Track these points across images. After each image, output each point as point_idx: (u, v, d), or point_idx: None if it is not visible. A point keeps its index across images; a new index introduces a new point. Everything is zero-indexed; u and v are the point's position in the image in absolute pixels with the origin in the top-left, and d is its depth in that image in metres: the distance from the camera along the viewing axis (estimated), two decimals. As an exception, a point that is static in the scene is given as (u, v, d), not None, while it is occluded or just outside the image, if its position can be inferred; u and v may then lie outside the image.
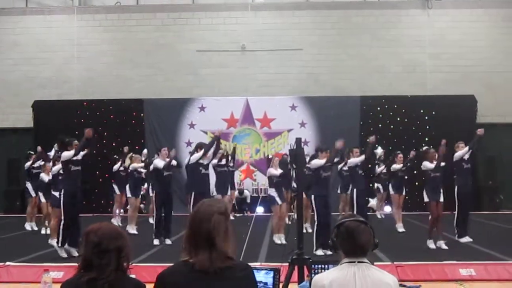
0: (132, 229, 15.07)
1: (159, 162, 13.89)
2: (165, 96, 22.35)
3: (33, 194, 16.83)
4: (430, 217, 12.77)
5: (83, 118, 21.83)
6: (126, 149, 17.62)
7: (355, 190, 13.34)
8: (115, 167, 17.48)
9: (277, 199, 13.27)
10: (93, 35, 23.14)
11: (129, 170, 16.52)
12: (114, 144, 21.79)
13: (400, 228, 15.41)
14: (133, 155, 16.84)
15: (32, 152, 18.10)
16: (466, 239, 13.16)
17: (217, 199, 3.78)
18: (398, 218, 15.68)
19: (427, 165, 13.05)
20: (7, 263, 10.51)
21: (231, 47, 22.71)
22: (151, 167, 14.59)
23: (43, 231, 15.51)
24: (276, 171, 13.34)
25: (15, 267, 10.44)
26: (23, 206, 20.70)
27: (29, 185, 17.22)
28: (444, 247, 12.26)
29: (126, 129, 21.87)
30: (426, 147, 13.97)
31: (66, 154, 11.99)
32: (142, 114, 22.24)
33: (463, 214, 13.43)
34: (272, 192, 13.36)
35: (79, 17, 23.18)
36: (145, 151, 19.20)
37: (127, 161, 16.71)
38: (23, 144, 22.70)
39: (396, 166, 16.20)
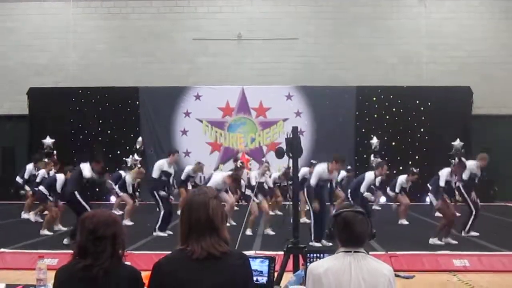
0: (128, 222, 14.93)
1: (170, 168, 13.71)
2: (161, 84, 22.30)
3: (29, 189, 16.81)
4: (443, 220, 12.19)
5: (78, 105, 21.82)
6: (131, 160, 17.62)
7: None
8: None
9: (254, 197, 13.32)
10: (89, 23, 23.04)
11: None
12: (109, 132, 21.80)
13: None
14: (137, 168, 16.70)
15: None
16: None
17: (205, 186, 3.81)
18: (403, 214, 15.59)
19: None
20: (2, 249, 10.52)
21: (227, 35, 22.67)
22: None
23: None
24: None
25: (9, 253, 10.44)
26: (17, 193, 20.65)
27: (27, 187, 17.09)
28: (454, 242, 11.91)
29: (121, 117, 21.84)
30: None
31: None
32: (137, 102, 22.20)
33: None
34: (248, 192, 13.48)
35: (75, 4, 23.07)
36: (139, 139, 19.22)
37: (128, 177, 16.38)
38: (18, 131, 22.68)
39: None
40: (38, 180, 15.45)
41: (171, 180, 13.95)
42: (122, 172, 17.34)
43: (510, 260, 10.04)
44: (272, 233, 13.14)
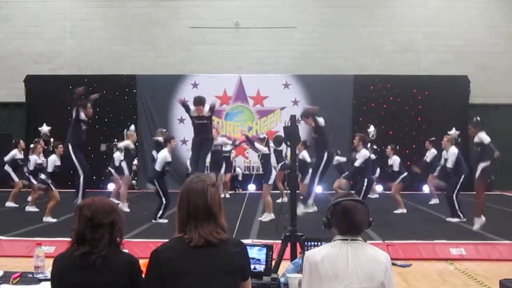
0: (125, 207, 14.85)
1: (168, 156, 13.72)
2: (158, 72, 22.28)
3: (16, 179, 16.86)
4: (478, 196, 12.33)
5: (72, 97, 21.74)
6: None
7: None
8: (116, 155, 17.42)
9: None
10: (86, 10, 22.96)
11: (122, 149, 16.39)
12: (106, 120, 21.76)
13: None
14: (129, 132, 16.70)
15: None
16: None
17: (203, 173, 3.83)
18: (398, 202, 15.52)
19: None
20: (-1, 237, 10.54)
21: (225, 24, 22.61)
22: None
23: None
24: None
25: (6, 241, 10.45)
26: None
27: (11, 171, 17.11)
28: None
29: (118, 105, 21.81)
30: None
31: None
32: (134, 90, 22.18)
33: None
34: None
35: (72, -8, 23.02)
36: (132, 127, 19.23)
37: (126, 142, 16.36)
38: (14, 118, 22.66)
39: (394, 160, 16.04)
40: (31, 168, 15.55)
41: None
42: (118, 154, 17.35)
43: (507, 249, 10.08)
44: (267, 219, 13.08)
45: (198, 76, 22.15)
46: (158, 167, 13.39)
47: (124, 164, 16.07)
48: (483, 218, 11.95)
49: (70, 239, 3.49)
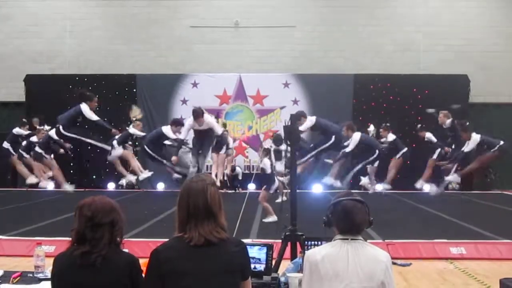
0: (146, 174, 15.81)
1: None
2: (158, 72, 22.26)
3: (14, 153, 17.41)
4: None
5: (75, 92, 21.74)
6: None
7: None
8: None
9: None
10: (86, 10, 22.94)
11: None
12: (105, 119, 21.70)
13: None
14: (136, 121, 17.71)
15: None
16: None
17: (203, 173, 3.82)
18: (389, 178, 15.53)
19: None
20: (-1, 236, 10.53)
21: (225, 23, 22.59)
22: None
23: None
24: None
25: (6, 240, 10.44)
26: (14, 180, 20.68)
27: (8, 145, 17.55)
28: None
29: (118, 104, 21.75)
30: None
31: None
32: (134, 90, 22.14)
33: None
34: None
35: (72, -9, 23.02)
36: (135, 112, 19.48)
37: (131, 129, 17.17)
38: (14, 118, 22.63)
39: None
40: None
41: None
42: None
43: (507, 248, 10.07)
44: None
45: (198, 76, 22.13)
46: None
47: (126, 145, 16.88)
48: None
49: (70, 239, 3.50)
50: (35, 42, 22.63)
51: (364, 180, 18.96)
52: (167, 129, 17.26)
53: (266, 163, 13.31)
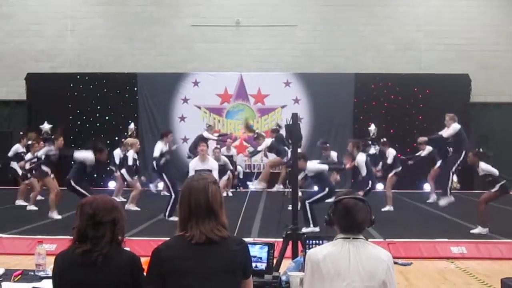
0: (133, 207, 14.84)
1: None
2: (159, 71, 22.25)
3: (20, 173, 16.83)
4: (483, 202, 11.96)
5: (76, 91, 21.77)
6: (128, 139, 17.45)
7: None
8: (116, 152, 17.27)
9: None
10: (87, 8, 22.93)
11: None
12: (107, 118, 21.78)
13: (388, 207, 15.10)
14: (129, 140, 16.75)
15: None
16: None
17: (204, 172, 3.79)
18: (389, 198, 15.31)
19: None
20: (0, 235, 10.52)
21: (226, 22, 22.59)
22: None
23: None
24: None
25: (7, 238, 10.46)
26: (15, 179, 20.65)
27: (16, 166, 17.07)
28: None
29: (119, 103, 21.80)
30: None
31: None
32: (135, 88, 22.14)
33: None
34: None
35: (73, -11, 23.01)
36: (131, 125, 19.33)
37: (131, 152, 16.12)
38: (15, 116, 22.67)
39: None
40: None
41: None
42: (118, 151, 17.20)
43: (508, 248, 10.08)
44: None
45: (199, 74, 22.14)
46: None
47: (124, 171, 15.91)
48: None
49: (71, 237, 3.50)
50: (36, 41, 22.63)
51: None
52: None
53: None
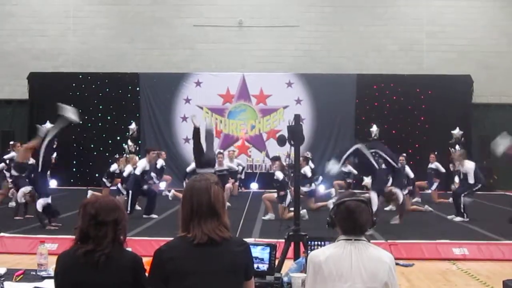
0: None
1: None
2: (161, 71, 22.27)
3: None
4: None
5: (79, 90, 21.78)
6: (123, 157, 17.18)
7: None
8: (112, 168, 16.93)
9: None
10: (89, 8, 22.95)
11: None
12: (109, 117, 21.80)
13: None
14: (128, 156, 16.56)
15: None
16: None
17: (206, 173, 3.82)
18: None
19: None
20: (1, 234, 10.52)
21: (228, 22, 22.59)
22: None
23: None
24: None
25: (9, 238, 10.45)
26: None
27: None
28: None
29: (121, 103, 21.83)
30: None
31: None
32: (137, 88, 22.16)
33: None
34: None
35: (75, -11, 23.02)
36: (132, 125, 19.33)
37: (128, 167, 15.73)
38: (17, 115, 22.69)
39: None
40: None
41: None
42: (115, 165, 16.69)
43: (509, 249, 10.07)
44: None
45: (201, 75, 22.16)
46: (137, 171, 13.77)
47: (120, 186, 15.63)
48: None
49: (73, 237, 3.50)
50: (38, 40, 22.65)
51: (367, 180, 18.92)
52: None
53: (307, 170, 13.47)
